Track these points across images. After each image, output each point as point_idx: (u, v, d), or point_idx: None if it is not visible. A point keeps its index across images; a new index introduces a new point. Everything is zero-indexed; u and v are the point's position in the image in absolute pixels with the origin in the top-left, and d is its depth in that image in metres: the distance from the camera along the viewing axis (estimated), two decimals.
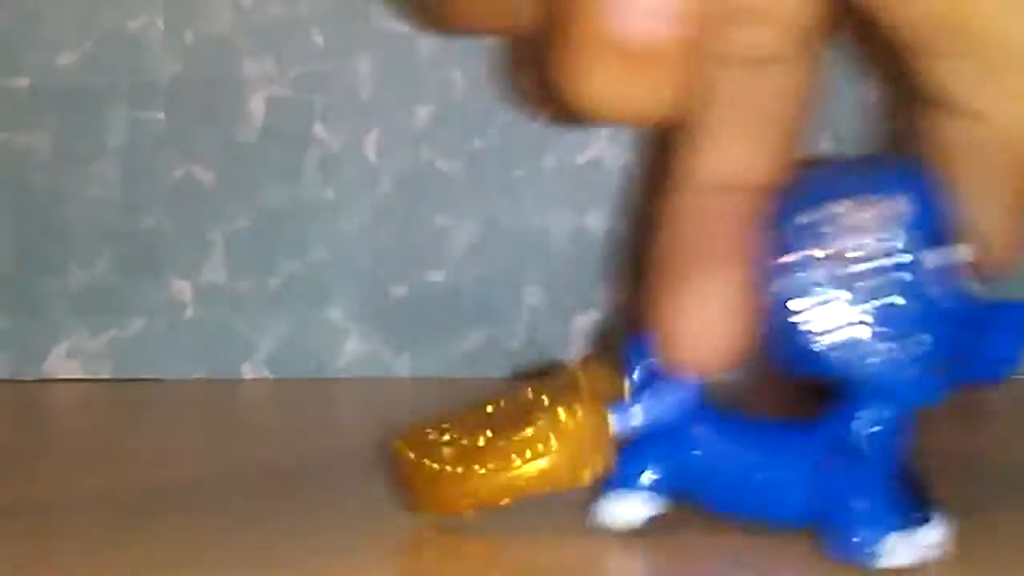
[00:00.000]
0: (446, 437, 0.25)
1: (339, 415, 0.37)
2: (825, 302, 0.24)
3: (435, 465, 0.25)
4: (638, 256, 0.39)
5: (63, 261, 0.40)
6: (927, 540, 0.24)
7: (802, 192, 0.25)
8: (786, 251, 0.24)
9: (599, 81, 0.21)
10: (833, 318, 0.24)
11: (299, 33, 0.39)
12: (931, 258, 0.24)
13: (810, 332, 0.24)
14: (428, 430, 0.26)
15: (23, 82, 0.39)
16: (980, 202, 0.25)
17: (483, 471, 0.25)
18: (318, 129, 0.40)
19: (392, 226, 0.40)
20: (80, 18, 0.39)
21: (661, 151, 0.39)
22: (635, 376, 0.25)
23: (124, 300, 0.40)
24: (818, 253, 0.24)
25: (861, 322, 0.24)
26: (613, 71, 0.21)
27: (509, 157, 0.40)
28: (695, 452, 0.25)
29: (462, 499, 0.25)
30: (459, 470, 0.25)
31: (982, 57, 0.24)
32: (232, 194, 0.40)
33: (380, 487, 0.28)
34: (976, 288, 0.25)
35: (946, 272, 0.24)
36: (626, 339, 0.26)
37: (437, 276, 0.40)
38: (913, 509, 0.24)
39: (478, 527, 0.25)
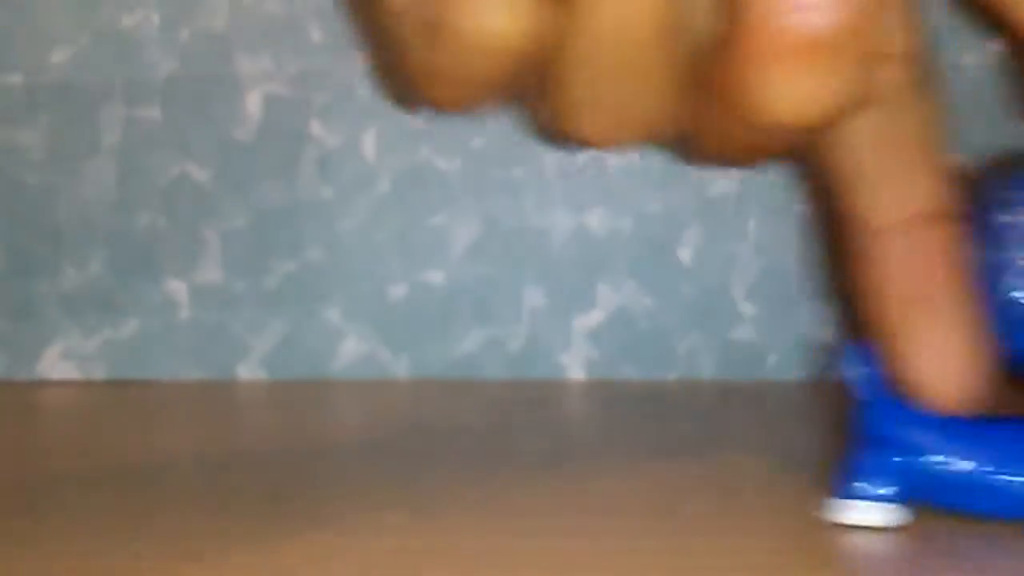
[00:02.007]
0: None
1: (336, 417, 0.37)
2: None
3: None
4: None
5: (56, 261, 0.39)
6: None
7: (992, 195, 0.25)
8: (997, 253, 0.25)
9: (784, 83, 0.21)
10: None
11: (296, 30, 0.39)
12: None
13: None
14: None
15: (16, 79, 0.39)
16: None
17: None
18: (315, 127, 0.39)
19: (390, 225, 0.39)
20: (74, 14, 0.39)
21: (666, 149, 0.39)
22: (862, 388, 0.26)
23: (118, 300, 0.40)
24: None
25: None
26: (795, 70, 0.21)
27: (509, 157, 0.39)
28: (929, 458, 0.25)
29: None
30: None
31: None
32: (228, 193, 0.39)
33: (378, 490, 0.28)
34: None
35: None
36: (844, 353, 0.26)
37: (437, 276, 0.39)
38: None
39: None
